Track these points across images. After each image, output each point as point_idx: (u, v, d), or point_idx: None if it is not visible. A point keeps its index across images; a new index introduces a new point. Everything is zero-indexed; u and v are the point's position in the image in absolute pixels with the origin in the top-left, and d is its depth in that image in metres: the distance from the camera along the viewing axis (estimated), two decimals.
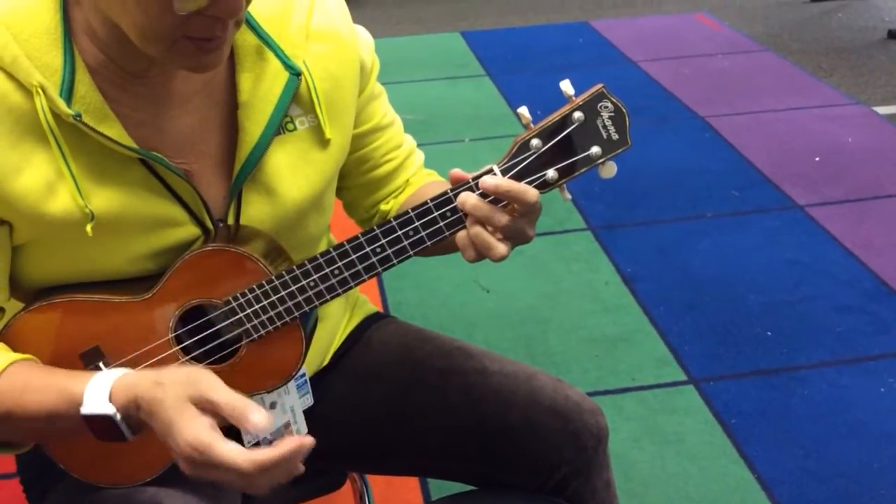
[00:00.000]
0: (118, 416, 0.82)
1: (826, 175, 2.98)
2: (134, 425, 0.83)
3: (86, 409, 0.82)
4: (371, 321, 1.21)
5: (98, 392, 0.83)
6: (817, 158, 3.10)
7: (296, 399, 1.04)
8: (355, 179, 1.11)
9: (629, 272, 2.50)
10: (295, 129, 0.96)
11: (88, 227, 0.85)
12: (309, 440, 0.80)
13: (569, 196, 0.89)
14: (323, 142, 0.97)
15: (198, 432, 0.78)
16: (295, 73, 0.93)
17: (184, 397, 0.80)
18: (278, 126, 0.93)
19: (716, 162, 3.11)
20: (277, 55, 0.92)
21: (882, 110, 3.48)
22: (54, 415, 0.85)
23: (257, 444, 1.02)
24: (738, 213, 2.78)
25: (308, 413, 1.08)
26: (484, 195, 0.86)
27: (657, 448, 1.89)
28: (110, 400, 0.82)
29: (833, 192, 2.87)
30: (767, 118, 3.43)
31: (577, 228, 2.73)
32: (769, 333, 2.22)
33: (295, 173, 0.96)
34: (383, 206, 1.13)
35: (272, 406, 1.01)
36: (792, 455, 1.85)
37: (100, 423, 0.83)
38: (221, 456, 0.77)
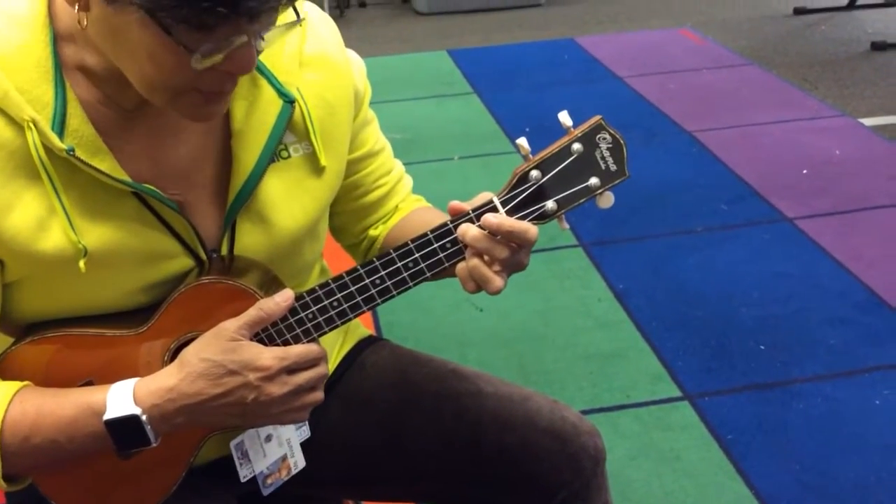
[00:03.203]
0: (144, 417, 0.83)
1: (814, 187, 2.99)
2: (158, 426, 0.85)
3: (109, 415, 0.83)
4: (364, 345, 1.20)
5: (121, 396, 0.84)
6: (805, 171, 3.11)
7: (292, 432, 1.03)
8: (346, 205, 1.10)
9: (621, 288, 2.51)
10: (289, 156, 0.95)
11: (81, 263, 0.84)
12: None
13: (566, 225, 0.89)
14: (318, 169, 0.97)
15: (269, 349, 0.87)
16: (289, 101, 0.92)
17: (228, 339, 0.85)
18: (272, 154, 0.93)
19: (704, 176, 3.12)
20: (271, 83, 0.92)
21: (867, 122, 3.51)
22: (73, 430, 0.85)
23: (253, 479, 1.01)
24: (727, 227, 2.79)
25: (304, 444, 1.07)
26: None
27: (654, 465, 1.88)
28: (135, 402, 0.84)
29: (821, 205, 2.88)
30: (754, 132, 3.45)
31: (569, 245, 2.73)
32: (762, 347, 2.23)
33: (290, 201, 0.95)
34: (372, 232, 1.12)
35: (268, 439, 1.00)
36: (789, 470, 1.84)
37: (123, 429, 0.84)
38: (299, 349, 0.88)
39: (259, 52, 0.79)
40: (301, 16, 0.83)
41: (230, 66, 0.77)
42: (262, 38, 0.78)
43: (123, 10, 0.73)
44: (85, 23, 0.78)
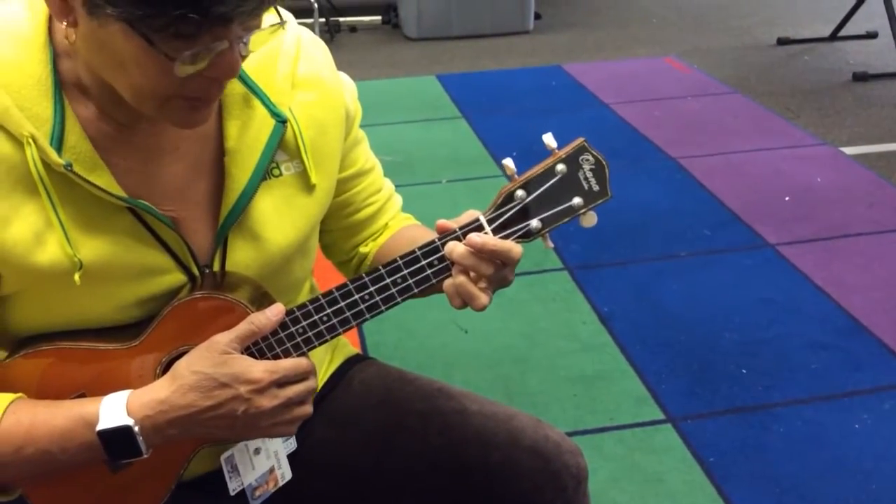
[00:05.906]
0: (136, 428, 0.85)
1: (796, 214, 3.04)
2: (150, 437, 0.86)
3: (102, 425, 0.85)
4: (352, 363, 1.21)
5: (114, 407, 0.86)
6: (787, 198, 3.16)
7: (279, 444, 1.05)
8: (336, 223, 1.12)
9: (606, 311, 2.53)
10: (281, 174, 0.97)
11: (76, 276, 0.85)
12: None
13: (551, 244, 0.92)
14: (309, 187, 0.99)
15: (260, 362, 0.88)
16: (281, 121, 0.94)
17: (219, 352, 0.87)
18: (265, 172, 0.95)
19: (688, 202, 3.16)
20: (264, 103, 0.94)
21: (848, 150, 3.56)
22: (66, 441, 0.86)
23: (241, 492, 1.02)
24: (710, 253, 2.82)
25: (291, 457, 1.08)
26: None
27: (637, 488, 1.89)
28: (127, 413, 0.85)
29: (803, 231, 2.92)
30: (737, 159, 3.50)
31: (555, 269, 2.76)
32: (744, 371, 2.25)
33: (281, 219, 0.97)
34: (362, 249, 1.14)
35: (256, 452, 1.01)
36: (770, 492, 1.86)
37: (116, 440, 0.85)
38: (289, 363, 0.90)
39: (244, 57, 0.80)
40: (283, 18, 0.85)
41: (214, 73, 0.79)
42: (245, 43, 0.79)
43: (107, 23, 0.75)
44: (74, 38, 0.80)
